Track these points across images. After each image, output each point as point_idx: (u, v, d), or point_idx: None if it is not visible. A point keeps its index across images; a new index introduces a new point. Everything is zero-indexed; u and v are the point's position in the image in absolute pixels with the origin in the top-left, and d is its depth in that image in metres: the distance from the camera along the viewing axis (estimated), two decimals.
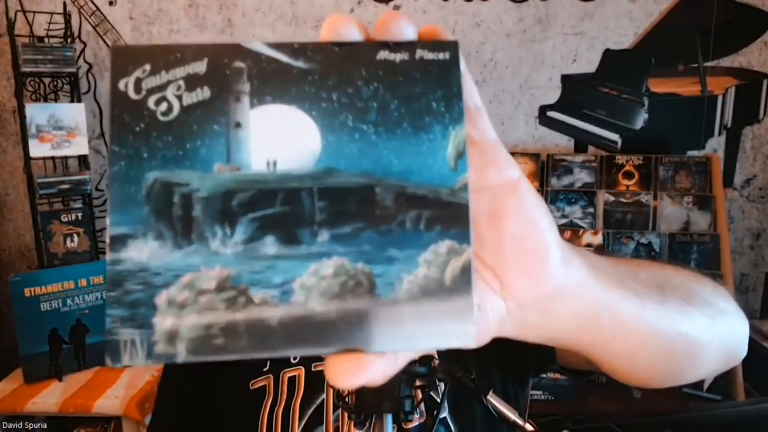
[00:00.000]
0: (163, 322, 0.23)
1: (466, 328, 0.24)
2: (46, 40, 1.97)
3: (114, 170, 0.24)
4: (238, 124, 0.25)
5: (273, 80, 0.25)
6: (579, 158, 2.04)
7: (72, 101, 1.99)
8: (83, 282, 1.84)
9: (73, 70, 1.95)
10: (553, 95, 2.15)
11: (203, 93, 0.24)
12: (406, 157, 0.25)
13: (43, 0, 2.07)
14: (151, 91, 0.24)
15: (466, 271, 0.24)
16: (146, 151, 0.24)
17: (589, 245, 1.96)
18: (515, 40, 2.12)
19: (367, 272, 0.24)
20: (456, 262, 0.24)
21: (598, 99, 2.13)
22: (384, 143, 0.25)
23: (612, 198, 1.98)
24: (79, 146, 1.94)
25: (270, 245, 0.24)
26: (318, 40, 0.26)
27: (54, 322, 1.79)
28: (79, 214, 1.96)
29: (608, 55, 2.10)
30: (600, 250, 1.95)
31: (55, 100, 2.04)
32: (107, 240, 0.23)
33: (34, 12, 2.01)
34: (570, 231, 1.96)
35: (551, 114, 2.16)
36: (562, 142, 2.17)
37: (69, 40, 1.99)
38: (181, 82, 0.24)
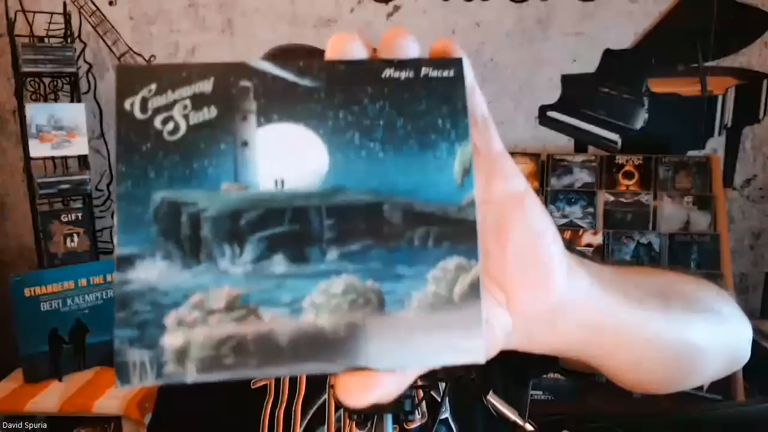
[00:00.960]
0: (173, 342, 0.23)
1: (474, 344, 0.24)
2: (46, 40, 1.97)
3: (120, 190, 0.24)
4: (245, 143, 0.25)
5: (279, 99, 0.25)
6: (579, 158, 2.04)
7: (72, 101, 1.99)
8: (83, 282, 1.84)
9: (73, 70, 1.95)
10: (553, 95, 2.15)
11: (210, 112, 0.25)
12: (413, 175, 0.25)
13: (43, 0, 2.07)
14: (157, 111, 0.24)
15: (474, 287, 0.24)
16: (153, 170, 0.24)
17: (589, 245, 1.96)
18: (515, 40, 2.12)
19: (376, 290, 0.24)
20: (464, 278, 0.24)
21: (598, 99, 2.13)
22: (391, 161, 0.25)
23: (612, 198, 1.99)
24: (79, 146, 1.94)
25: (279, 264, 0.24)
26: (324, 59, 0.26)
27: (54, 322, 1.79)
28: (79, 214, 1.96)
29: (608, 55, 2.10)
30: (600, 250, 1.95)
31: (55, 100, 2.04)
32: (115, 260, 0.23)
33: (34, 12, 2.01)
34: (570, 231, 1.96)
35: (551, 114, 2.16)
36: (562, 142, 2.17)
37: (69, 40, 1.99)
38: (188, 102, 0.24)
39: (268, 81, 0.25)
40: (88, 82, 2.14)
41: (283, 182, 0.25)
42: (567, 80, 2.13)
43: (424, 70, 0.25)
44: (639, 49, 2.09)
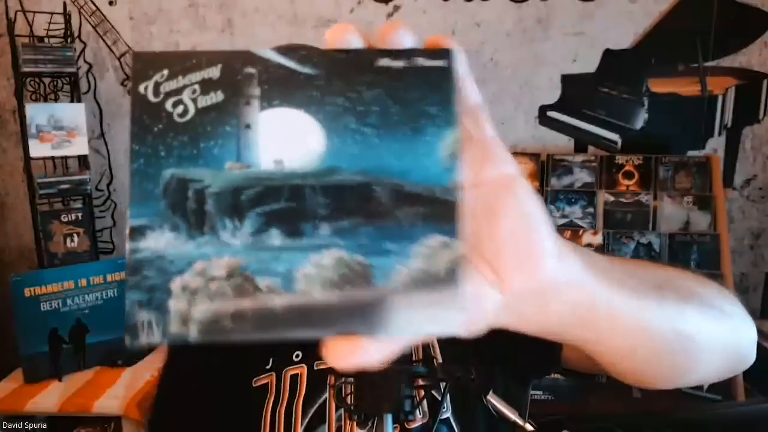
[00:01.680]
0: (178, 305, 0.25)
1: (455, 316, 0.25)
2: (46, 40, 1.97)
3: (134, 167, 0.26)
4: (248, 126, 0.27)
5: (281, 85, 0.27)
6: (579, 158, 2.04)
7: (72, 101, 1.99)
8: (83, 282, 1.84)
9: (73, 70, 1.95)
10: (553, 95, 2.15)
11: (216, 96, 0.27)
12: (404, 158, 0.27)
13: (43, 0, 2.07)
14: (168, 95, 0.26)
15: (456, 264, 0.26)
16: (164, 149, 0.26)
17: (589, 245, 1.96)
18: (515, 40, 2.12)
19: (364, 263, 0.26)
20: (447, 255, 0.26)
21: (598, 99, 2.13)
22: (384, 145, 0.27)
23: (612, 198, 1.98)
24: (79, 146, 1.94)
25: (275, 237, 0.26)
26: (323, 48, 0.27)
27: (54, 322, 1.79)
28: (79, 214, 1.96)
29: (608, 55, 2.10)
30: (600, 250, 1.95)
31: (55, 100, 2.04)
32: (127, 231, 0.26)
33: (34, 12, 2.00)
34: (570, 231, 1.96)
35: (551, 114, 2.16)
36: (562, 142, 2.17)
37: (69, 40, 1.99)
38: (197, 86, 0.27)
39: (272, 68, 0.27)
40: (88, 82, 2.14)
41: (282, 162, 0.27)
42: (567, 80, 2.13)
43: (416, 60, 0.27)
44: (639, 49, 2.09)
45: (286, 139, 0.27)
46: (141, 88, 0.26)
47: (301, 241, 0.26)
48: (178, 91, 0.26)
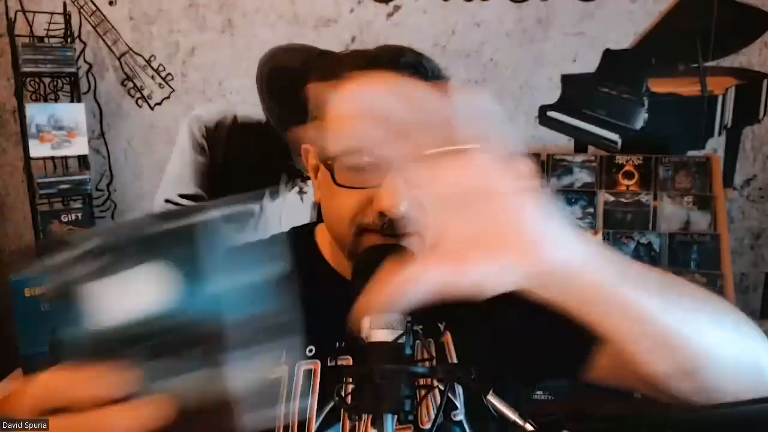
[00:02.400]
0: None
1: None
2: (46, 40, 1.97)
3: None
4: None
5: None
6: (579, 158, 2.04)
7: (72, 101, 1.99)
8: None
9: (73, 70, 1.95)
10: (553, 95, 2.15)
11: None
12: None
13: (43, 0, 2.07)
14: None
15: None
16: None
17: None
18: (515, 40, 2.12)
19: None
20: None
21: (598, 99, 2.13)
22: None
23: (612, 198, 1.98)
24: (79, 146, 1.94)
25: None
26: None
27: (54, 322, 1.79)
28: (79, 214, 1.96)
29: (608, 55, 2.10)
30: None
31: (55, 100, 2.04)
32: None
33: (34, 12, 2.00)
34: None
35: (551, 114, 2.16)
36: (562, 142, 2.17)
37: (69, 40, 1.99)
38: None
39: None
40: (88, 82, 2.14)
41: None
42: (567, 80, 2.13)
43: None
44: (639, 49, 2.09)
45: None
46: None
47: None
48: None
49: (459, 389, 0.66)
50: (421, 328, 0.68)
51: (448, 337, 0.68)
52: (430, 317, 0.69)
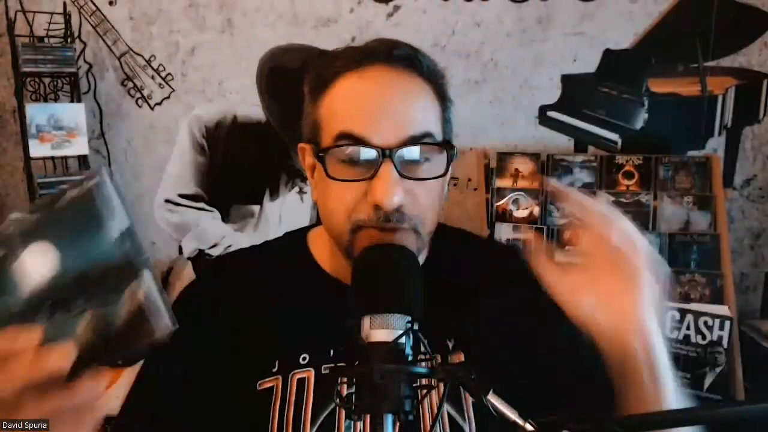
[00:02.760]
0: None
1: None
2: (46, 40, 1.97)
3: None
4: None
5: None
6: (579, 158, 2.04)
7: (72, 101, 1.99)
8: None
9: (73, 70, 1.95)
10: (553, 95, 2.15)
11: None
12: None
13: (43, 0, 2.07)
14: None
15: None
16: None
17: None
18: (515, 40, 2.12)
19: None
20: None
21: (598, 99, 2.13)
22: None
23: (612, 198, 1.98)
24: (79, 146, 1.94)
25: None
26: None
27: None
28: None
29: (608, 55, 2.10)
30: None
31: (55, 100, 2.04)
32: None
33: (34, 12, 2.00)
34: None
35: (551, 114, 2.16)
36: (562, 142, 2.17)
37: (69, 40, 1.99)
38: None
39: None
40: (88, 82, 2.14)
41: None
42: (567, 80, 2.13)
43: None
44: (639, 49, 2.09)
45: None
46: None
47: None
48: None
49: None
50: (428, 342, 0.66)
51: (460, 357, 0.66)
52: (439, 333, 0.66)
